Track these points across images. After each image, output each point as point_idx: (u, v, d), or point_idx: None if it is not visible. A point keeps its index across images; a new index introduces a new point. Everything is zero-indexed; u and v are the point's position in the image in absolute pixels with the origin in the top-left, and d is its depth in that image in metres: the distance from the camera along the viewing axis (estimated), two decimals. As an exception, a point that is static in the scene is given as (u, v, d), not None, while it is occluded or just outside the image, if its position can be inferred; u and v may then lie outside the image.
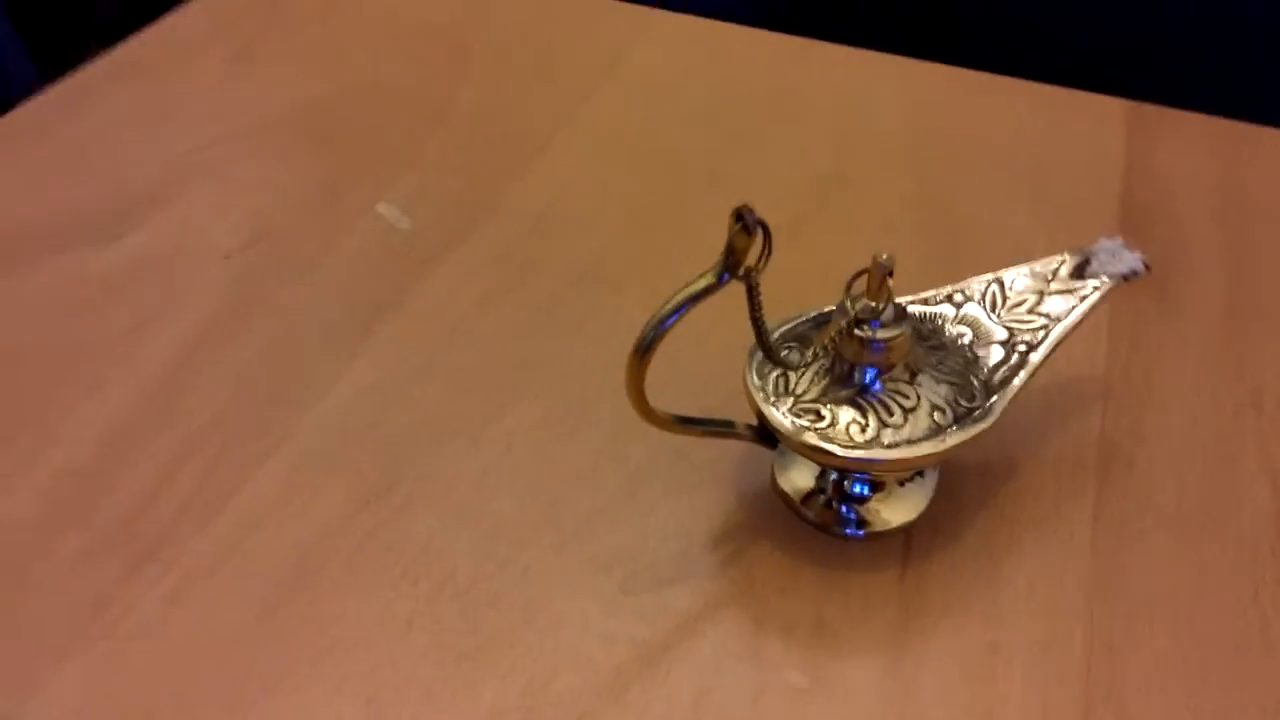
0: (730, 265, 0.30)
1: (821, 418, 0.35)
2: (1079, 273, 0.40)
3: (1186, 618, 0.37)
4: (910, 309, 0.40)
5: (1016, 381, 0.37)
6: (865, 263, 0.37)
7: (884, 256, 0.35)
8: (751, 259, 0.30)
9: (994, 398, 0.37)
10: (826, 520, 0.39)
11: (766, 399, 0.36)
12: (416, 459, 0.40)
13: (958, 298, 0.40)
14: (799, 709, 0.34)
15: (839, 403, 0.36)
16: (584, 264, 0.50)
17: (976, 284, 0.41)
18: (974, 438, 0.36)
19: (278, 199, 0.52)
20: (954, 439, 0.35)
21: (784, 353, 0.37)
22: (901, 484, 0.40)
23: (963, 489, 0.41)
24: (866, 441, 0.35)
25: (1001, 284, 0.40)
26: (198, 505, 0.38)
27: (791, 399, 0.36)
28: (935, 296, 0.40)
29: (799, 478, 0.40)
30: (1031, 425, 0.43)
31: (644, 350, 0.30)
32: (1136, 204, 0.56)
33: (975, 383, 0.37)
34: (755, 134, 0.59)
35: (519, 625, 0.35)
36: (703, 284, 0.30)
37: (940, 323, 0.39)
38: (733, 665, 0.35)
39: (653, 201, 0.54)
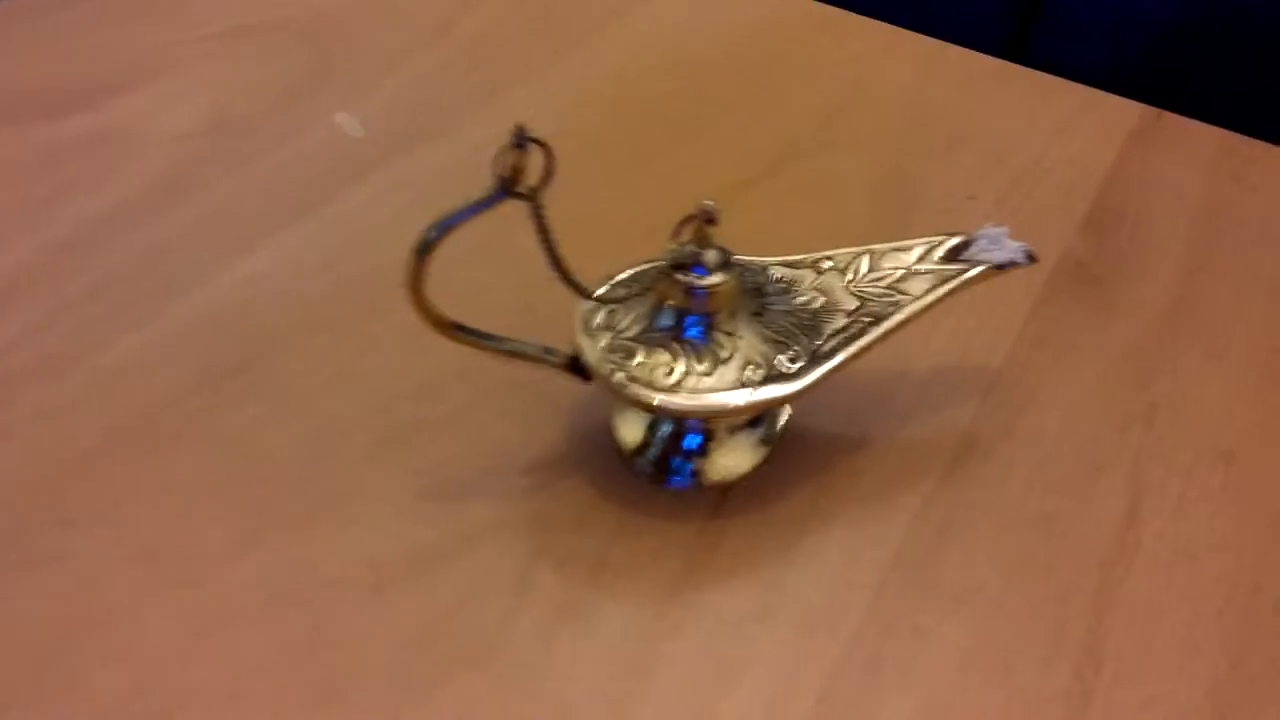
0: (503, 182, 0.30)
1: (632, 356, 0.36)
2: (952, 256, 0.39)
3: (985, 617, 0.36)
4: (772, 269, 0.39)
5: (844, 353, 0.37)
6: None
7: (707, 203, 0.35)
8: (531, 179, 0.31)
9: (818, 365, 0.36)
10: (647, 464, 0.39)
11: (587, 331, 0.37)
12: (273, 350, 0.42)
13: (824, 264, 0.39)
14: (546, 633, 0.34)
15: (654, 344, 0.36)
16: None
17: (847, 253, 0.40)
18: (779, 399, 0.36)
19: (243, 95, 0.54)
20: (758, 396, 0.35)
21: (610, 289, 0.37)
22: (732, 432, 0.39)
23: (802, 456, 0.40)
24: (668, 385, 0.35)
25: (872, 256, 0.40)
26: (53, 361, 0.41)
27: (611, 334, 0.36)
28: (803, 260, 0.40)
29: (632, 421, 0.40)
30: (899, 404, 0.42)
31: (420, 251, 0.31)
32: (1106, 207, 0.53)
33: (802, 347, 0.36)
34: (744, 93, 0.59)
35: (305, 512, 0.37)
36: (479, 196, 0.31)
37: (797, 285, 0.39)
38: (496, 585, 0.35)
39: (610, 147, 0.54)
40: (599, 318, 0.37)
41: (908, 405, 0.43)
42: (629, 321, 0.36)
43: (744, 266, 0.39)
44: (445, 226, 0.31)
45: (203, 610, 0.34)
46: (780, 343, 0.36)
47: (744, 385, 0.35)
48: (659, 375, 0.35)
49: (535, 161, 0.31)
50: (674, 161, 0.54)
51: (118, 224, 0.46)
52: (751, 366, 0.36)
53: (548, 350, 0.36)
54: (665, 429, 0.39)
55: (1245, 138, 0.59)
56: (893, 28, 0.64)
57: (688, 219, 0.35)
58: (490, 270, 0.45)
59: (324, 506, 0.37)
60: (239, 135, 0.52)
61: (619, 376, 0.35)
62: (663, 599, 0.35)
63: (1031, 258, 0.40)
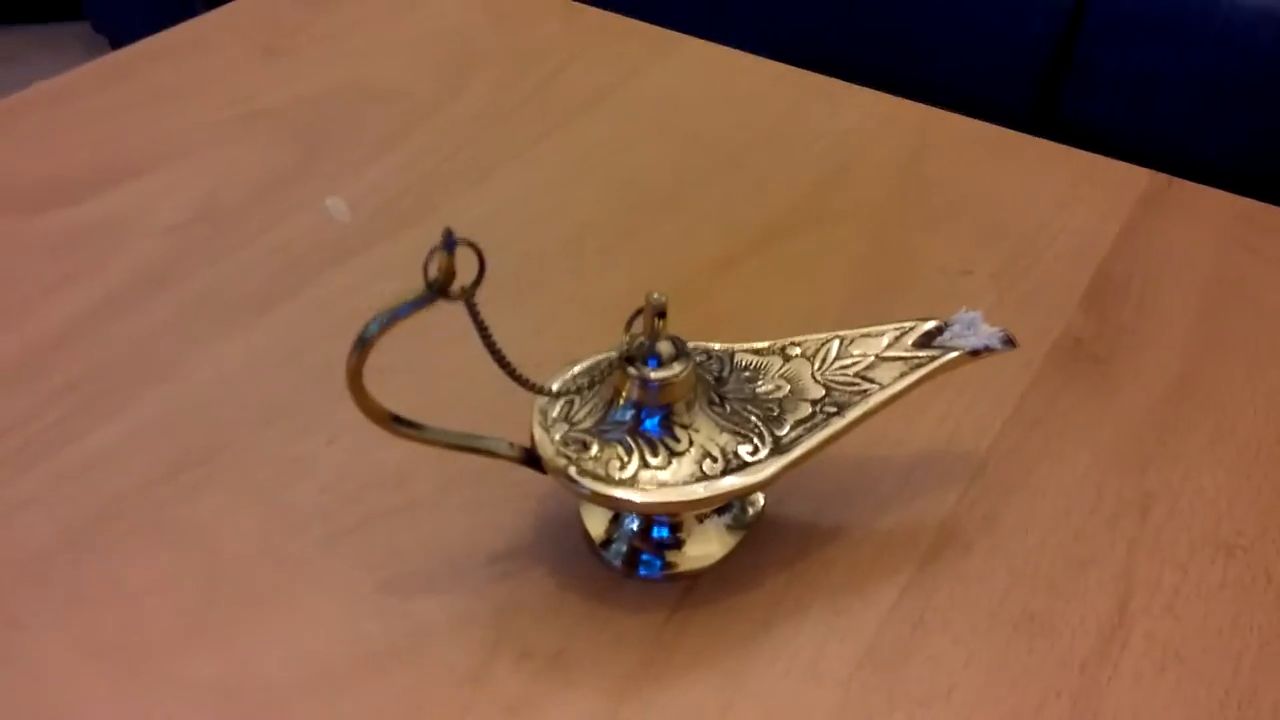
0: (434, 284, 0.30)
1: (587, 449, 0.35)
2: (925, 342, 0.38)
3: (958, 721, 0.34)
4: (739, 356, 0.38)
5: (806, 444, 0.35)
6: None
7: (655, 295, 0.34)
8: (462, 280, 0.30)
9: (779, 456, 0.35)
10: (614, 554, 0.38)
11: (544, 423, 0.36)
12: (238, 440, 0.42)
13: (792, 351, 0.38)
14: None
15: (608, 437, 0.35)
16: (496, 278, 0.50)
17: (815, 340, 0.39)
18: (737, 491, 0.34)
19: (234, 183, 0.55)
20: (713, 490, 0.34)
21: (568, 380, 0.36)
22: (701, 521, 0.38)
23: (775, 543, 0.39)
24: (622, 479, 0.34)
25: (841, 342, 0.38)
26: (23, 456, 0.41)
27: (567, 426, 0.36)
28: (770, 347, 0.39)
29: (599, 511, 0.39)
30: (880, 490, 0.41)
31: (358, 346, 0.31)
32: (1110, 280, 0.52)
33: (763, 438, 0.35)
34: (732, 167, 0.58)
35: (253, 607, 0.36)
36: (412, 296, 0.30)
37: (762, 373, 0.38)
38: (448, 682, 0.34)
39: (597, 224, 0.54)
40: (556, 409, 0.36)
41: (889, 491, 0.41)
42: (585, 414, 0.36)
43: (707, 354, 0.38)
44: (382, 324, 0.31)
45: (148, 710, 0.33)
46: (740, 434, 0.35)
47: (701, 478, 0.34)
48: (613, 469, 0.34)
49: (469, 262, 0.30)
50: (659, 237, 0.53)
51: (102, 316, 0.47)
52: (709, 460, 0.35)
53: (502, 443, 0.36)
54: (632, 519, 0.38)
55: (1262, 204, 0.57)
56: (891, 97, 0.64)
57: (639, 311, 0.35)
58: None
59: (273, 601, 0.36)
60: (227, 223, 0.52)
61: (572, 470, 0.34)
62: (620, 694, 0.34)
63: (1009, 342, 0.38)
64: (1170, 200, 0.57)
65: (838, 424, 0.36)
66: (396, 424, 0.33)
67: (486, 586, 0.37)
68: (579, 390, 0.35)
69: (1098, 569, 0.39)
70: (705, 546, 0.38)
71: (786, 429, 0.36)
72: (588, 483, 0.34)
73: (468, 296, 0.30)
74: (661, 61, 0.66)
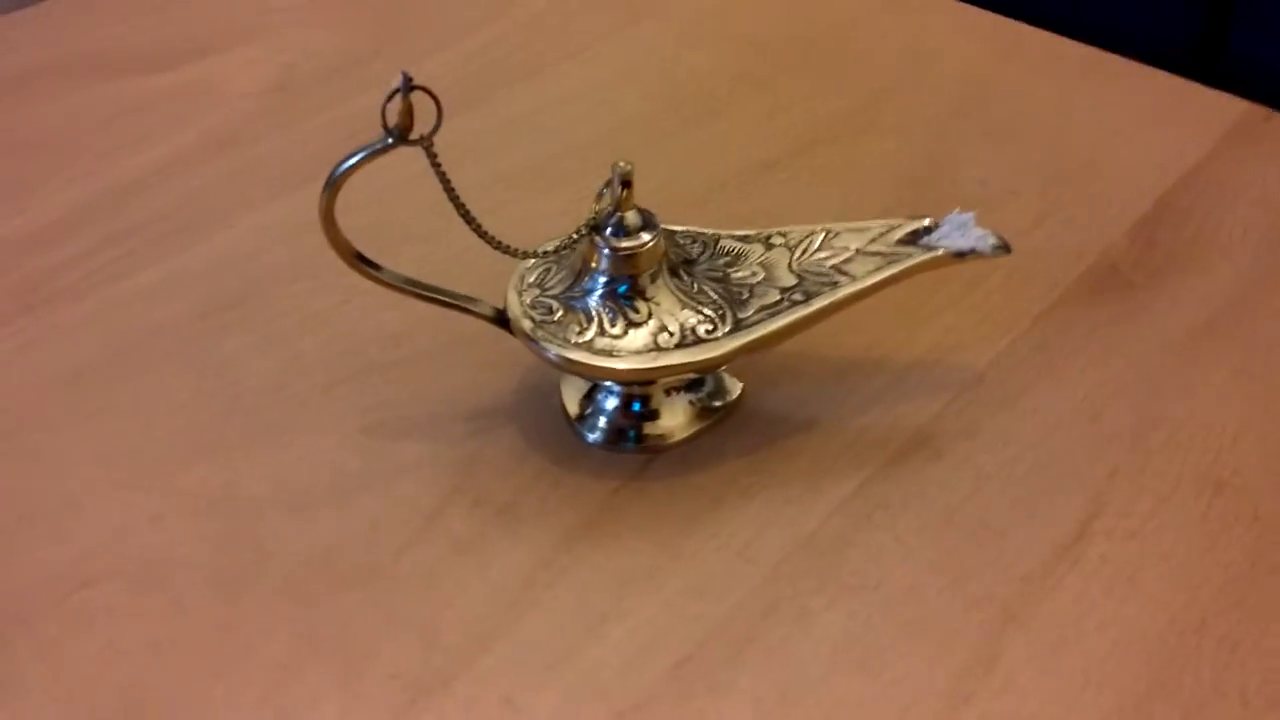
0: (391, 130, 0.32)
1: (551, 313, 0.36)
2: (911, 240, 0.38)
3: (877, 611, 0.34)
4: (723, 241, 0.39)
5: (765, 328, 0.36)
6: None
7: (621, 164, 0.35)
8: (420, 126, 0.32)
9: (736, 337, 0.36)
10: (584, 422, 0.39)
11: (519, 285, 0.38)
12: (266, 291, 0.45)
13: (775, 240, 0.39)
14: (438, 566, 0.35)
15: (572, 303, 0.36)
16: (534, 164, 0.52)
17: (800, 230, 0.39)
18: (685, 365, 0.35)
19: (310, 60, 0.58)
20: (661, 361, 0.35)
21: (555, 248, 0.38)
22: (670, 398, 0.39)
23: (745, 431, 0.40)
24: (577, 343, 0.36)
25: (826, 234, 0.39)
26: (83, 284, 0.46)
27: (538, 290, 0.37)
28: (756, 235, 0.39)
29: (577, 381, 0.40)
30: (864, 392, 0.41)
31: (327, 187, 0.33)
32: (1169, 210, 0.49)
33: (724, 319, 0.36)
34: (789, 72, 0.58)
35: (253, 435, 0.39)
36: (374, 142, 0.32)
37: (742, 259, 0.38)
38: (405, 518, 0.37)
39: (644, 122, 0.55)
40: (534, 275, 0.38)
41: (873, 392, 0.41)
42: (557, 280, 0.37)
43: (691, 237, 0.39)
44: (344, 168, 0.33)
45: (138, 509, 0.37)
46: (701, 312, 0.36)
47: (653, 349, 0.35)
48: (570, 332, 0.36)
49: (428, 110, 0.32)
50: (702, 138, 0.54)
51: (169, 172, 0.51)
52: (665, 333, 0.36)
53: (478, 301, 0.38)
54: (605, 394, 0.40)
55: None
56: (969, 7, 0.62)
57: (609, 182, 0.36)
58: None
59: (271, 431, 0.40)
60: (297, 96, 0.56)
61: (530, 329, 0.36)
62: (556, 548, 0.36)
63: (1002, 248, 0.37)
64: (1266, 135, 0.54)
65: (801, 312, 0.36)
66: (360, 261, 0.36)
67: (459, 439, 0.39)
68: (544, 254, 0.36)
69: (1070, 488, 0.38)
70: (670, 423, 0.39)
71: (750, 312, 0.36)
72: (545, 343, 0.36)
73: (426, 143, 0.32)
74: None
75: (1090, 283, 0.46)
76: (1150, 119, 0.54)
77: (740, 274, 0.38)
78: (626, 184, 0.35)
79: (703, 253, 0.38)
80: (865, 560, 0.36)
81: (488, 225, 0.35)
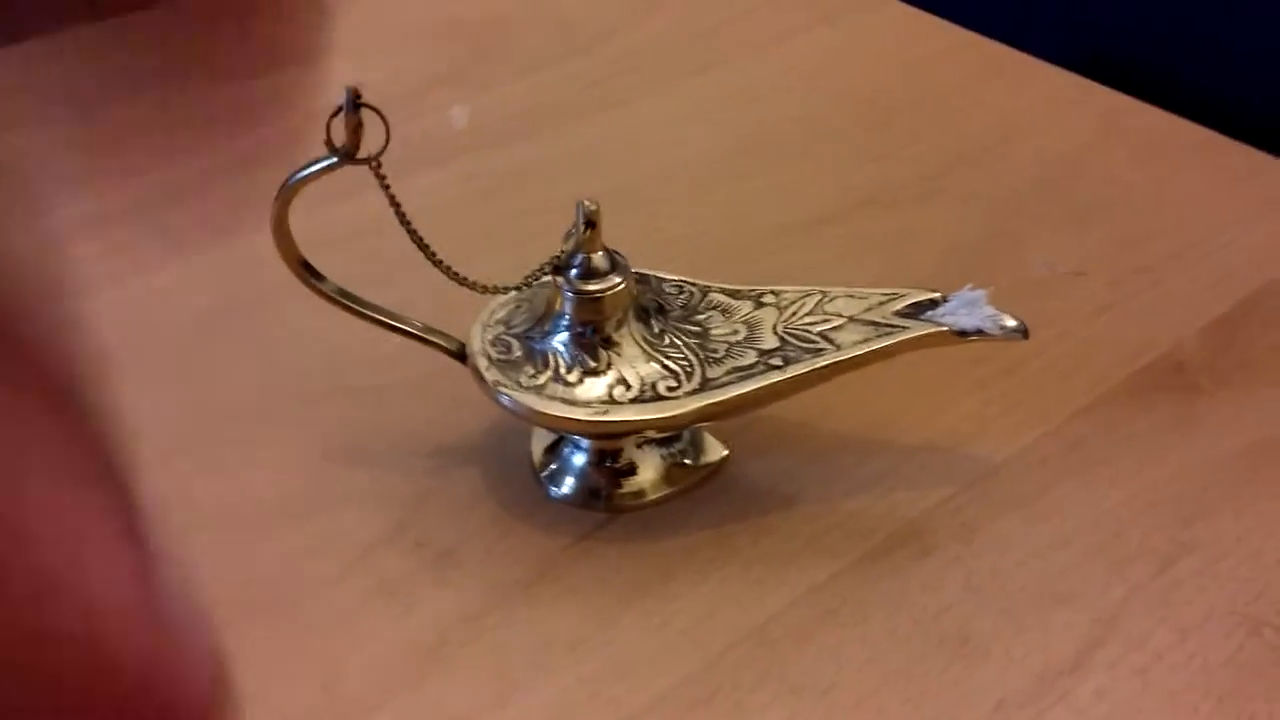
0: (337, 148, 0.30)
1: (510, 352, 0.34)
2: (912, 312, 0.34)
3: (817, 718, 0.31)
4: (712, 295, 0.36)
5: (732, 391, 0.33)
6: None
7: (586, 204, 0.33)
8: (368, 145, 0.30)
9: (699, 397, 0.33)
10: (547, 472, 0.37)
11: (486, 320, 0.35)
12: (276, 300, 0.43)
13: (767, 298, 0.36)
14: (358, 604, 0.33)
15: (532, 344, 0.34)
16: (584, 193, 0.50)
17: (796, 291, 0.36)
18: (639, 423, 0.33)
19: (385, 82, 0.58)
20: (614, 415, 0.32)
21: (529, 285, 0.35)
22: (644, 457, 0.36)
23: (719, 500, 0.36)
24: (528, 386, 0.33)
25: (822, 298, 0.35)
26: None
27: (503, 327, 0.35)
28: (748, 291, 0.36)
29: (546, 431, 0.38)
30: (861, 474, 0.37)
31: (277, 198, 0.32)
32: (1259, 306, 0.44)
33: (690, 376, 0.33)
34: (868, 127, 0.54)
35: (217, 445, 0.38)
36: (319, 160, 0.31)
37: (729, 314, 0.35)
38: (339, 549, 0.35)
39: (707, 165, 0.52)
40: (504, 311, 0.36)
41: (869, 477, 0.37)
42: (523, 318, 0.35)
43: (680, 287, 0.36)
44: (291, 182, 0.32)
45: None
46: (667, 367, 0.33)
47: (607, 402, 0.33)
48: (524, 375, 0.33)
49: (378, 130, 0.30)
50: (762, 186, 0.51)
51: (193, 182, 0.51)
52: (622, 385, 0.33)
53: (433, 331, 0.36)
54: (573, 440, 0.37)
55: None
56: (1083, 80, 0.57)
57: (580, 223, 0.33)
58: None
59: (227, 448, 0.38)
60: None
61: (483, 365, 0.34)
62: (485, 603, 0.33)
63: (1016, 331, 0.33)
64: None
65: (774, 378, 0.33)
66: (305, 271, 0.34)
67: (416, 474, 0.37)
68: (504, 290, 0.34)
69: (1074, 609, 0.33)
70: (641, 483, 0.37)
71: (720, 372, 0.33)
72: (496, 384, 0.33)
73: (374, 163, 0.31)
74: (854, 16, 0.63)
75: (1147, 381, 0.41)
76: (1254, 211, 0.49)
77: (720, 330, 0.35)
78: (591, 224, 0.33)
79: (686, 303, 0.36)
80: (820, 660, 0.32)
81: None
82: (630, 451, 0.37)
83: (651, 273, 0.37)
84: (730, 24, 0.62)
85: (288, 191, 0.32)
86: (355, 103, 0.30)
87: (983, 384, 0.41)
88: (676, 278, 0.37)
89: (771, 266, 0.46)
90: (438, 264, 0.33)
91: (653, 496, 0.36)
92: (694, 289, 0.36)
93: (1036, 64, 0.58)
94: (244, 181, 0.51)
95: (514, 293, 0.34)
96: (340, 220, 0.47)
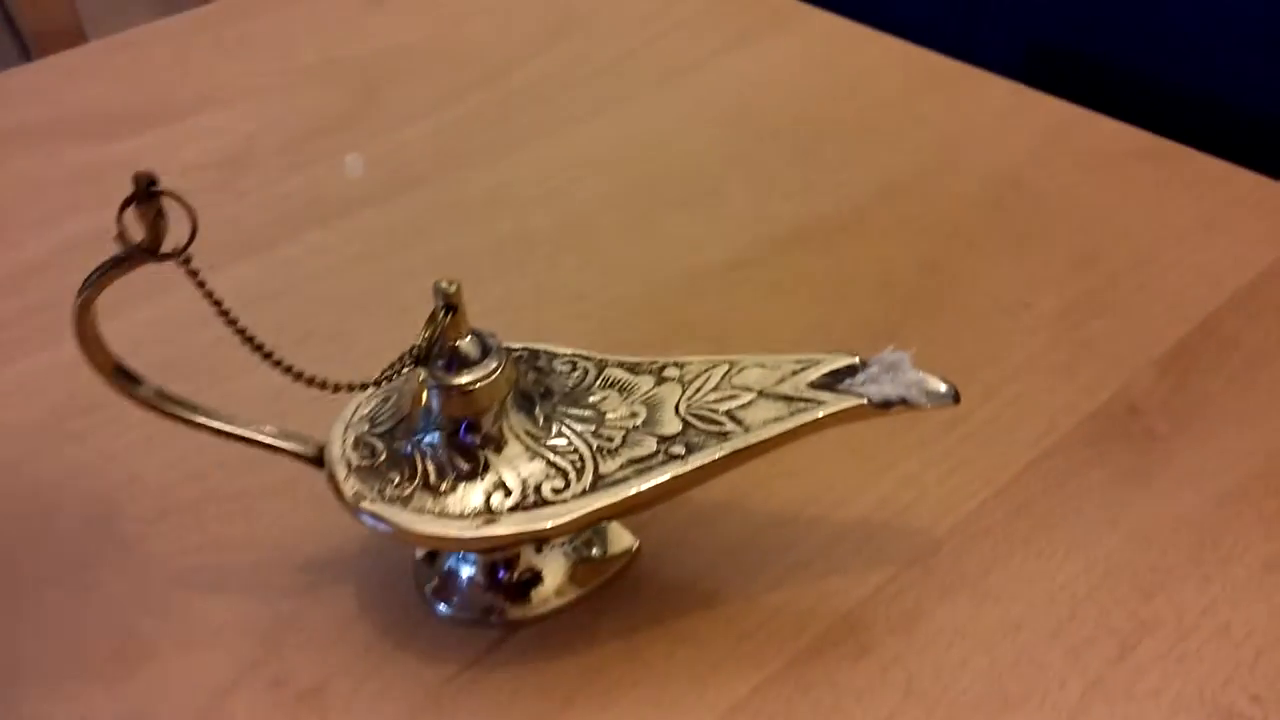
0: (130, 243, 0.26)
1: (374, 455, 0.30)
2: (829, 383, 0.30)
3: None
4: (609, 370, 0.32)
5: (629, 489, 0.29)
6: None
7: (443, 284, 0.28)
8: (169, 239, 0.26)
9: (589, 499, 0.29)
10: (430, 584, 0.33)
11: (349, 418, 0.31)
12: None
13: (670, 372, 0.31)
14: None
15: (398, 446, 0.30)
16: (475, 251, 0.46)
17: (701, 363, 0.32)
18: (517, 536, 0.28)
19: (274, 130, 0.53)
20: (490, 530, 0.28)
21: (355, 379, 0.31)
22: (541, 559, 0.32)
23: (629, 602, 0.32)
24: (394, 497, 0.29)
25: (729, 369, 0.31)
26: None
27: (368, 425, 0.31)
28: (647, 364, 0.32)
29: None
30: (787, 559, 0.33)
31: (78, 303, 0.27)
32: (1215, 332, 0.40)
33: (580, 474, 0.29)
34: (809, 151, 0.50)
35: (59, 572, 0.34)
36: (111, 258, 0.27)
37: (626, 392, 0.31)
38: (186, 698, 0.30)
39: (614, 209, 0.48)
40: (369, 405, 0.31)
41: (796, 563, 0.33)
42: (389, 414, 0.31)
43: (572, 363, 0.32)
44: (87, 285, 0.27)
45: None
46: (554, 465, 0.29)
47: (483, 514, 0.28)
48: (389, 485, 0.29)
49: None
50: (675, 228, 0.46)
51: (87, 249, 0.47)
52: (502, 491, 0.29)
53: (289, 435, 0.31)
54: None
55: None
56: (1028, 90, 0.53)
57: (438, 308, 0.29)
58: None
59: (69, 573, 0.34)
60: (246, 169, 0.51)
61: (341, 475, 0.29)
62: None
63: (944, 398, 0.29)
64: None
65: (674, 470, 0.29)
66: (121, 378, 0.30)
67: (280, 595, 0.33)
68: (362, 385, 0.30)
69: (1028, 711, 0.29)
70: (540, 594, 0.32)
71: (615, 466, 0.29)
72: (356, 496, 0.29)
73: (182, 258, 0.26)
74: (773, 36, 0.59)
75: (1099, 428, 0.37)
76: (1203, 223, 0.45)
77: (617, 413, 0.30)
78: (451, 308, 0.28)
79: (579, 383, 0.31)
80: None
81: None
82: (526, 555, 0.32)
83: (540, 347, 0.32)
84: (637, 53, 0.58)
85: (86, 295, 0.27)
86: (150, 191, 0.25)
87: (922, 442, 0.37)
88: (568, 351, 0.32)
89: (684, 319, 0.42)
90: (275, 364, 0.29)
91: (554, 605, 0.32)
92: (588, 364, 0.32)
93: (973, 73, 0.54)
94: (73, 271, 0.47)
95: (352, 390, 0.30)
96: (174, 309, 0.43)
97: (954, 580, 0.32)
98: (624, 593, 0.33)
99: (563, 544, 0.33)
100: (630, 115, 0.54)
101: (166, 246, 0.26)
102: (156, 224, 0.26)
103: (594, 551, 0.33)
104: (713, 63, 0.57)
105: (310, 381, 0.29)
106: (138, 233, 0.26)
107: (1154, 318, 0.41)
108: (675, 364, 0.32)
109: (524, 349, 0.32)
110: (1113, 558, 0.33)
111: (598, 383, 0.31)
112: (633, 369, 0.32)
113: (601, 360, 0.32)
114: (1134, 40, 0.64)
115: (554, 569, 0.33)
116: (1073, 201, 0.47)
